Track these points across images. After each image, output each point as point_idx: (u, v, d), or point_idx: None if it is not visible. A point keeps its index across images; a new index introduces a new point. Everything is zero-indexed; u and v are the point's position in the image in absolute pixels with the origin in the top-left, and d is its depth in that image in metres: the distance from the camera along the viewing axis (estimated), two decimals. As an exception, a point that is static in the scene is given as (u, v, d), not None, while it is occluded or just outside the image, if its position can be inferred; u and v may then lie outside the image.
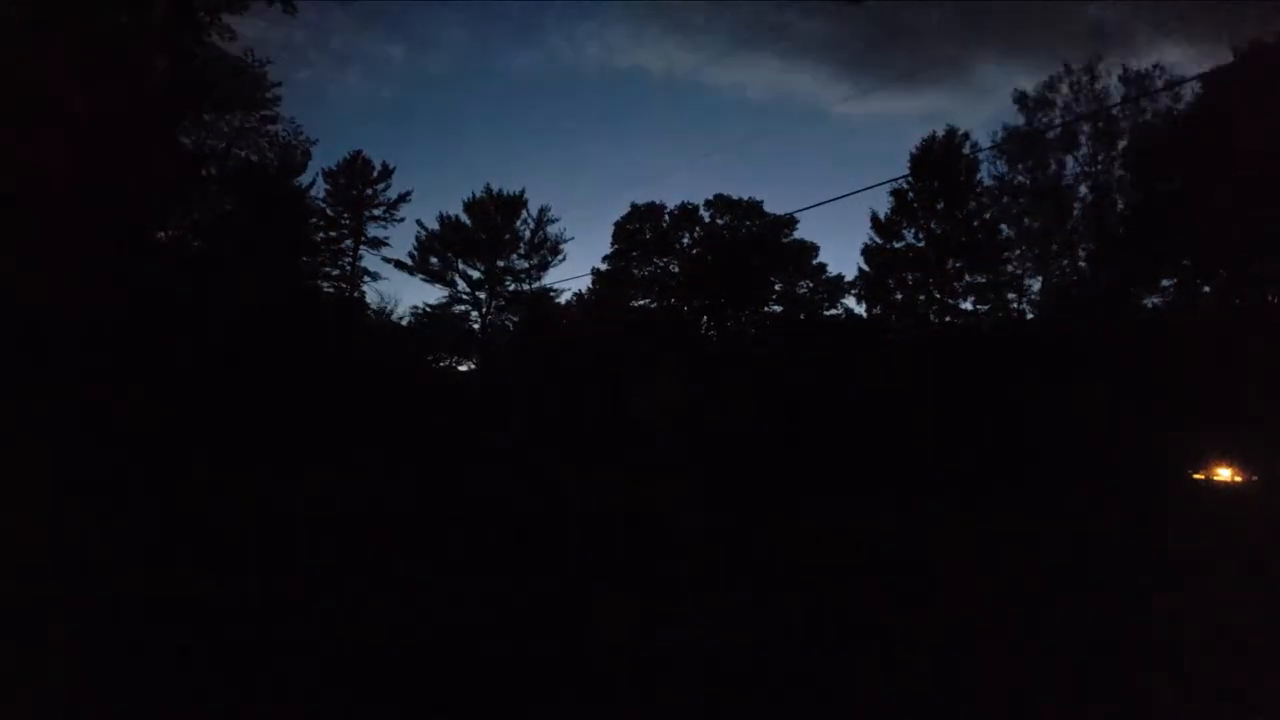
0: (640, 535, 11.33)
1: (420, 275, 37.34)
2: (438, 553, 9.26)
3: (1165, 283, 25.11)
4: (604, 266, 38.33)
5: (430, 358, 36.67)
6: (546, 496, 15.22)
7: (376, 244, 36.70)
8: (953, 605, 7.77)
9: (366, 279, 36.62)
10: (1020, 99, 29.15)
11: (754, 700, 4.79)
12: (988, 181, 29.79)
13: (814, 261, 36.38)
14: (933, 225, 29.91)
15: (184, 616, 5.75)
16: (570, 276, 76.28)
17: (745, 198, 37.15)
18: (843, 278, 35.11)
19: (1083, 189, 28.66)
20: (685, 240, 38.14)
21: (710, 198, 37.38)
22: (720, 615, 6.77)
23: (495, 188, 37.02)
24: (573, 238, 38.14)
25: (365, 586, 7.09)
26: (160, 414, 15.41)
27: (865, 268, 31.56)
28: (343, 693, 4.53)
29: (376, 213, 36.70)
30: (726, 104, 76.27)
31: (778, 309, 36.66)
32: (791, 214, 35.15)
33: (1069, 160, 28.66)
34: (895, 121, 69.27)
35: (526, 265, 37.71)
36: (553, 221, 37.50)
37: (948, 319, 29.62)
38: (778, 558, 10.08)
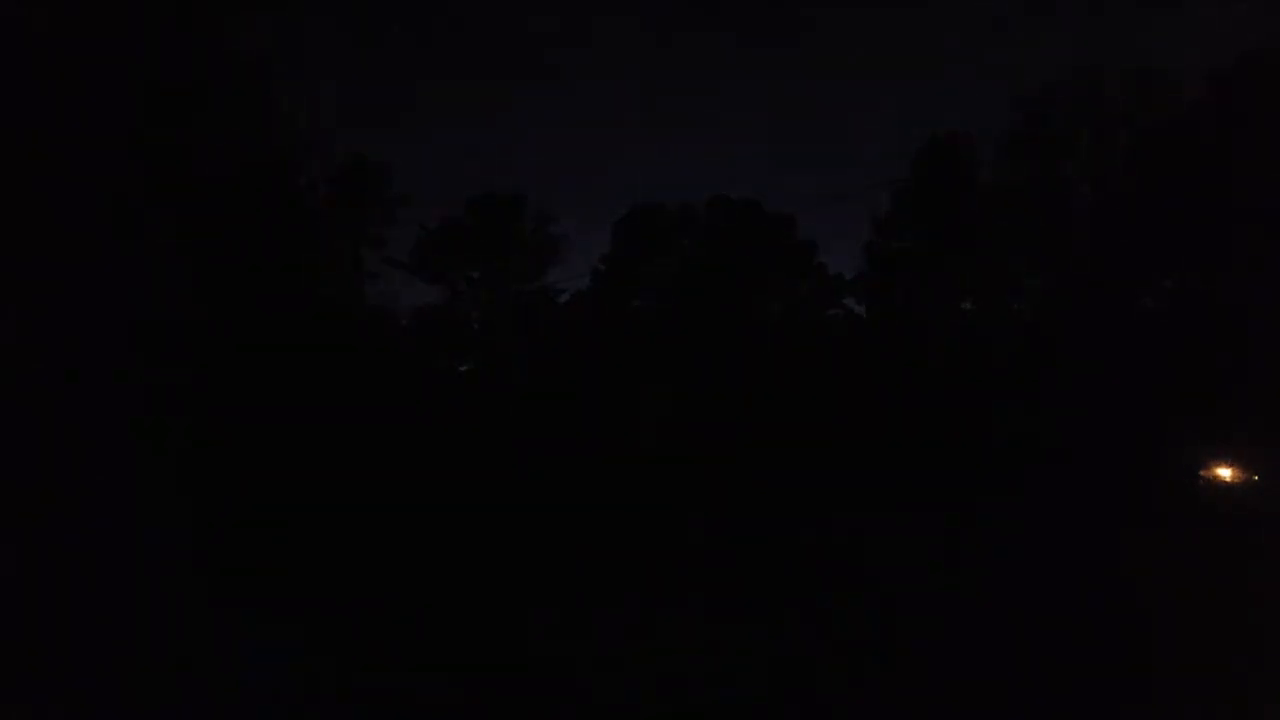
0: (642, 535, 11.33)
1: (420, 275, 37.30)
2: (433, 551, 9.26)
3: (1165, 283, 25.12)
4: (603, 267, 38.25)
5: (430, 358, 36.52)
6: (546, 497, 15.21)
7: (377, 244, 36.60)
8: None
9: (367, 280, 36.47)
10: (1020, 99, 29.06)
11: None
12: (988, 181, 29.70)
13: (814, 261, 36.34)
14: (933, 225, 29.86)
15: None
16: (570, 276, 76.17)
17: (744, 196, 37.16)
18: (843, 277, 35.08)
19: (1083, 189, 28.57)
20: (685, 240, 38.06)
21: (710, 197, 37.35)
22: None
23: (495, 188, 37.07)
24: (572, 238, 38.08)
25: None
26: (157, 416, 15.38)
27: (865, 267, 31.57)
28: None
29: (376, 213, 36.58)
30: (728, 101, 76.32)
31: (777, 309, 36.57)
32: (792, 214, 35.14)
33: (1069, 161, 28.56)
34: (896, 121, 69.31)
35: (526, 265, 37.64)
36: (553, 221, 37.48)
37: (947, 319, 29.55)
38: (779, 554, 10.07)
